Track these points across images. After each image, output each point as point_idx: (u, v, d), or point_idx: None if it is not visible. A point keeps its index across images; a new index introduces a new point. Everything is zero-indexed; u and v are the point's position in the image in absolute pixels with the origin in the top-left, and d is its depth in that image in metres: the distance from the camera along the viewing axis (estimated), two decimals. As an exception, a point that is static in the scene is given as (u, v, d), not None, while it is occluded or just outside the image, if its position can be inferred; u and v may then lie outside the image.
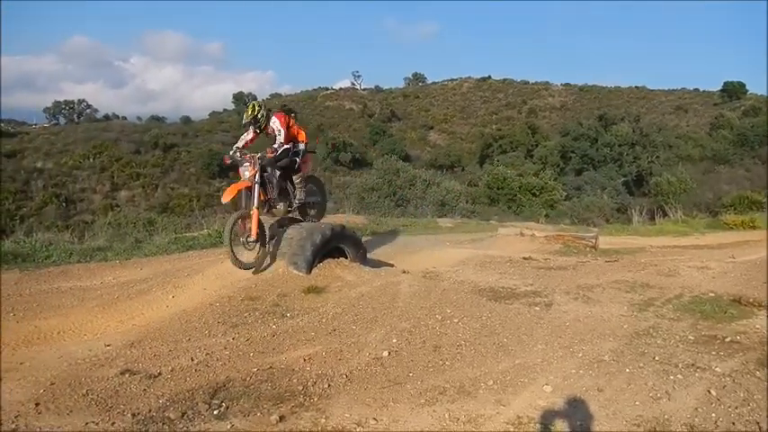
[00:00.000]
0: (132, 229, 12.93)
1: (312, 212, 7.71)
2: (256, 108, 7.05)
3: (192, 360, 4.62)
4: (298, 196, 7.27)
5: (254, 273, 6.68)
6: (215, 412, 3.77)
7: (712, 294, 7.27)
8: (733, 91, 71.72)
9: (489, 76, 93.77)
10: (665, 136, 43.26)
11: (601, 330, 5.65)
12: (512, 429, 3.64)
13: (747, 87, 72.78)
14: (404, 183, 19.19)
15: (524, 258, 9.65)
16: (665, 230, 16.95)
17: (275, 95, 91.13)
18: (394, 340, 5.13)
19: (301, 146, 7.31)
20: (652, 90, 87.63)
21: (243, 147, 7.10)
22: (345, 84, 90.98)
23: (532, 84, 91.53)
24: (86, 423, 3.57)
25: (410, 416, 3.78)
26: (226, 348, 4.88)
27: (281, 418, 3.67)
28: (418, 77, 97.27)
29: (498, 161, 39.81)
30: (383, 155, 37.55)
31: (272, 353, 4.85)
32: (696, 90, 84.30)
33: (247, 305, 5.92)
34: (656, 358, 4.89)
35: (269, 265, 6.85)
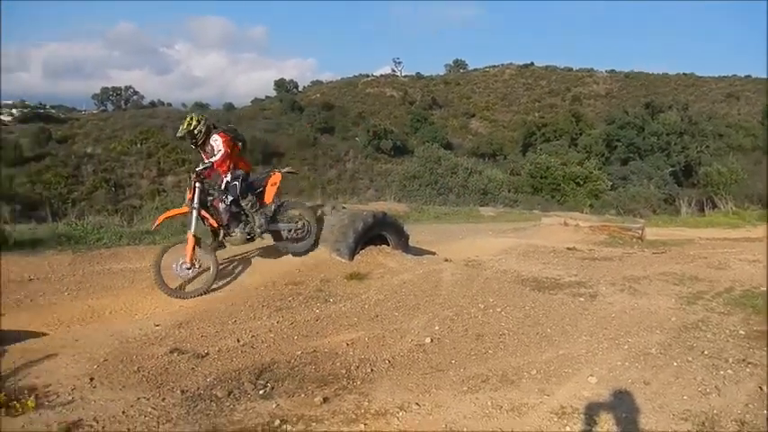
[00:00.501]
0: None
1: (300, 244, 6.92)
2: (193, 122, 6.53)
3: (238, 341, 4.72)
4: (257, 223, 6.58)
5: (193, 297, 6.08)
6: (260, 392, 3.85)
7: (764, 289, 7.04)
8: (788, 77, 68.65)
9: (532, 63, 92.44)
10: (715, 125, 41.86)
11: (647, 323, 5.53)
12: (555, 419, 3.61)
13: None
14: (445, 171, 19.10)
15: (568, 249, 9.52)
16: (714, 222, 16.45)
17: (316, 83, 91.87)
18: (436, 327, 5.14)
19: (239, 172, 6.60)
20: (701, 77, 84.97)
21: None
22: (386, 71, 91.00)
23: (576, 70, 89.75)
24: (138, 398, 3.68)
25: (453, 402, 3.78)
26: (270, 331, 4.97)
27: (325, 400, 3.72)
28: (459, 64, 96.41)
29: (541, 150, 39.18)
30: (424, 143, 37.39)
31: (316, 336, 4.92)
32: (748, 77, 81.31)
33: (291, 290, 6.01)
34: (706, 352, 4.76)
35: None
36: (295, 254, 6.84)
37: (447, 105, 79.61)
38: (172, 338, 4.74)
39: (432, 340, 4.85)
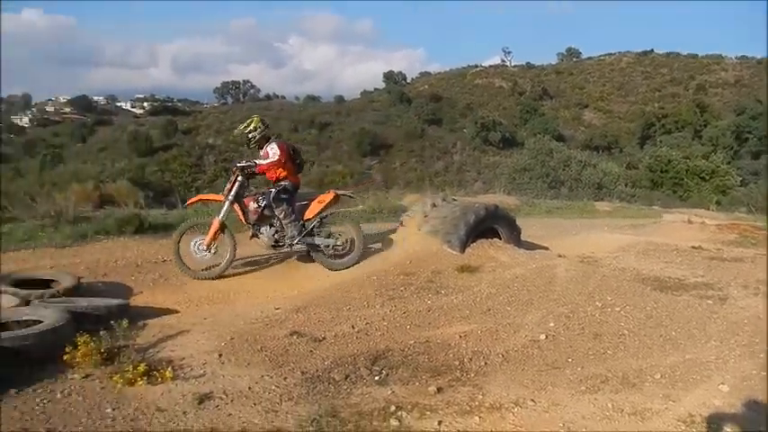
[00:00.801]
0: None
1: (339, 260, 6.77)
2: (251, 126, 6.81)
3: (353, 328, 4.86)
4: (289, 233, 6.61)
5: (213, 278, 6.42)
6: (376, 378, 3.94)
7: None
8: None
9: (651, 50, 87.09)
10: None
11: (785, 331, 5.09)
12: (683, 427, 3.41)
13: None
14: (558, 164, 18.49)
15: (693, 248, 8.91)
16: None
17: (424, 74, 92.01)
18: (551, 324, 5.01)
19: (284, 182, 6.65)
20: None
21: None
22: (495, 61, 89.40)
23: (702, 57, 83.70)
24: (262, 376, 3.90)
25: (570, 401, 3.68)
26: (384, 319, 5.06)
27: (439, 390, 3.75)
28: (572, 52, 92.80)
29: (661, 142, 36.92)
30: (534, 134, 36.40)
31: (428, 327, 4.96)
32: None
33: (402, 280, 6.09)
34: None
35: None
36: (332, 269, 6.69)
37: (558, 96, 76.99)
38: (291, 322, 4.97)
39: (546, 337, 4.74)
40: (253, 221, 6.66)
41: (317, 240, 6.72)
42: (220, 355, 4.21)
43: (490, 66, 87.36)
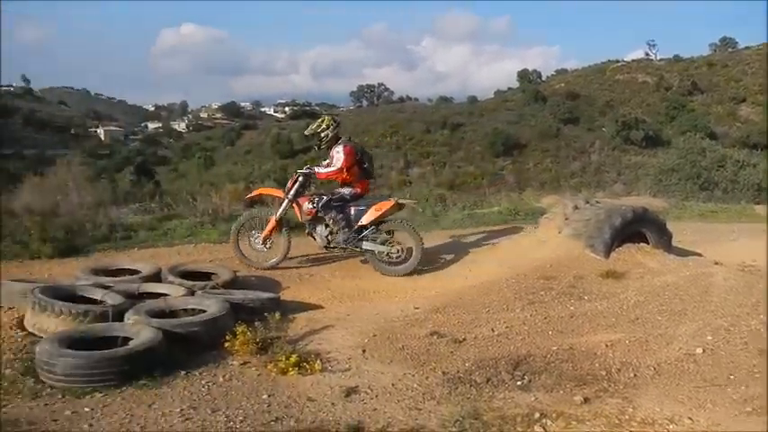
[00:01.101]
0: (425, 204, 13.82)
1: (394, 267, 6.80)
2: (323, 125, 6.98)
3: (493, 331, 4.82)
4: (340, 237, 6.79)
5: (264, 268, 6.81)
6: (518, 383, 3.89)
7: None
8: None
9: (824, 36, 77.29)
10: None
11: None
12: None
13: None
14: (711, 164, 16.99)
15: None
16: None
17: (561, 71, 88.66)
18: (708, 337, 4.64)
19: (346, 190, 6.88)
20: None
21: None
22: (638, 55, 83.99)
23: None
24: (404, 373, 3.99)
25: (733, 423, 3.39)
26: (524, 324, 4.97)
27: (586, 400, 3.62)
28: (727, 43, 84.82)
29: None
30: (682, 132, 33.80)
31: (571, 334, 4.80)
32: None
33: (543, 284, 5.93)
34: None
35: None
36: (386, 275, 6.75)
37: (710, 90, 70.73)
38: (431, 322, 5.02)
39: (704, 351, 4.40)
40: (307, 221, 6.91)
41: (372, 246, 6.80)
42: (364, 351, 4.37)
43: (633, 60, 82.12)
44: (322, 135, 6.99)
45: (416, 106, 74.48)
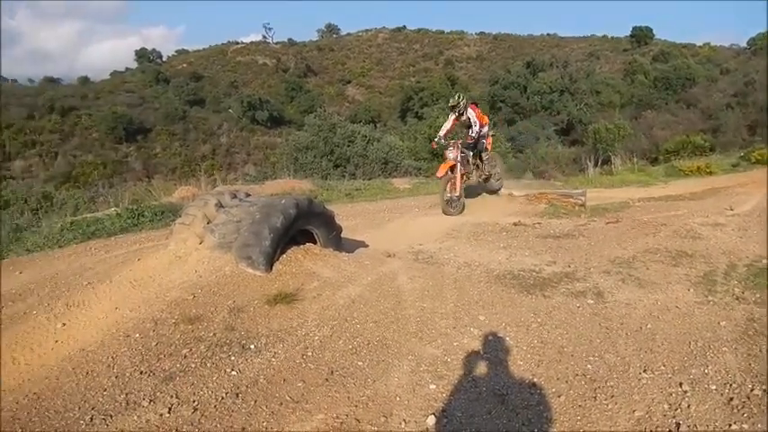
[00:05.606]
0: (17, 210, 10.19)
1: (494, 181, 9.93)
2: (459, 98, 9.28)
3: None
4: (486, 169, 9.46)
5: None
6: None
7: (765, 261, 5.88)
8: (641, 36, 72.89)
9: (404, 26, 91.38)
10: (592, 82, 42.79)
11: (695, 334, 4.02)
12: None
13: (654, 33, 74.33)
14: (341, 140, 17.04)
15: (515, 224, 7.99)
16: (626, 180, 15.85)
17: (182, 51, 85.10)
18: (431, 386, 3.25)
19: (485, 129, 9.38)
20: (564, 38, 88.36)
21: (444, 135, 9.36)
22: (257, 37, 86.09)
23: (447, 33, 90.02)
24: None
25: None
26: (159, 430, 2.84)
27: None
28: (332, 29, 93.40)
29: (422, 114, 37.99)
30: (301, 112, 34.91)
31: (242, 434, 2.85)
32: (605, 36, 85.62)
33: (185, 334, 3.78)
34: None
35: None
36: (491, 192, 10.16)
37: (322, 72, 76.83)
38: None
39: (437, 418, 2.97)
40: (470, 169, 9.48)
41: (490, 170, 9.72)
42: None
43: (251, 42, 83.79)
44: (461, 105, 9.24)
45: (14, 88, 62.32)
